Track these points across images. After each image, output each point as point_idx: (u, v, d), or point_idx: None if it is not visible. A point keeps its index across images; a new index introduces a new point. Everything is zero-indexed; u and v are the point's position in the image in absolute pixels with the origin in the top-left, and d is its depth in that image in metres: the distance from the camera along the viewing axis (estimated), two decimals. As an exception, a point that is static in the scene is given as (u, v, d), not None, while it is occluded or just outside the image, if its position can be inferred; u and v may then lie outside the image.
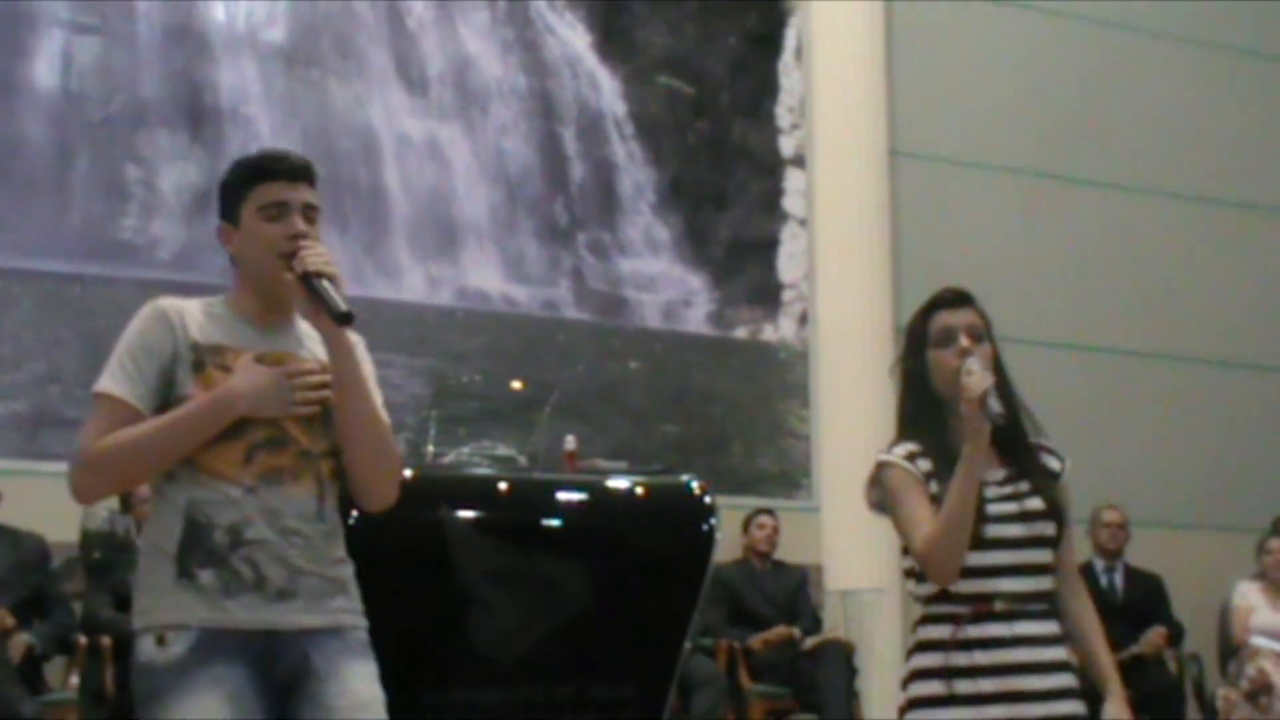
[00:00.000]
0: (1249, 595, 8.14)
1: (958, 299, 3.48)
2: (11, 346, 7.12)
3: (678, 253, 8.70)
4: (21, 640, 6.35)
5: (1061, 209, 9.57)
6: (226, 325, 2.92)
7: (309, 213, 2.93)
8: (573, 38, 8.62)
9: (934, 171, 9.25)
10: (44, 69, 7.39)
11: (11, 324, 7.15)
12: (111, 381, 2.86)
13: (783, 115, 9.07)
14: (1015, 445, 3.36)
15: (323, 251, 2.88)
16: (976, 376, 3.20)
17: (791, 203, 9.02)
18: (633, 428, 8.30)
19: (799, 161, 9.06)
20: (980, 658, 3.22)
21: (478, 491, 5.03)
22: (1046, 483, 3.35)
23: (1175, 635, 8.30)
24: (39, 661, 6.49)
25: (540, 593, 4.75)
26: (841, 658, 7.70)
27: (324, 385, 2.86)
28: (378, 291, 7.74)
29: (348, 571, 2.92)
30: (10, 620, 6.34)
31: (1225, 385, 9.82)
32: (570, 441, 5.68)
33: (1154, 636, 8.09)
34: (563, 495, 5.14)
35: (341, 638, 2.85)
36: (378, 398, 2.95)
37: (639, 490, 5.26)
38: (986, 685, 3.22)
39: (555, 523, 5.12)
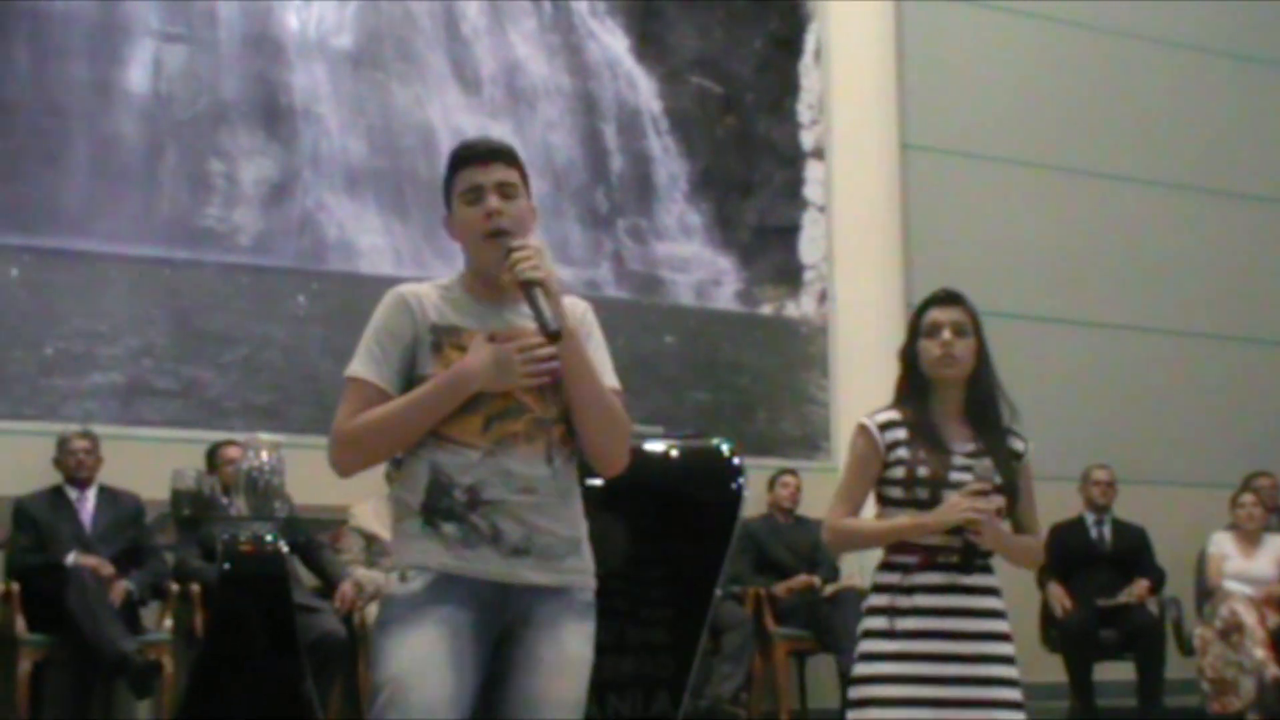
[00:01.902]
0: (1223, 544, 8.16)
1: (949, 298, 3.71)
2: (108, 324, 7.13)
3: (708, 237, 8.67)
4: (121, 587, 6.39)
5: (1058, 197, 9.51)
6: (460, 306, 2.88)
7: (506, 189, 2.88)
8: (612, 42, 8.58)
9: (941, 162, 9.20)
10: (137, 74, 7.38)
11: (108, 303, 7.16)
12: (360, 365, 2.85)
13: (803, 111, 9.02)
14: (987, 424, 3.62)
15: (531, 255, 2.79)
16: (967, 509, 3.44)
17: (811, 191, 8.97)
18: (668, 396, 8.28)
19: (818, 154, 9.00)
20: (921, 600, 3.48)
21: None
22: (1007, 460, 3.58)
23: (1157, 581, 8.28)
24: (136, 606, 6.52)
25: (584, 545, 4.74)
26: (856, 603, 7.65)
27: (551, 357, 2.80)
28: (436, 274, 7.71)
29: (581, 531, 2.88)
30: (110, 569, 6.38)
31: (1205, 355, 9.76)
32: (611, 408, 5.65)
33: (1138, 588, 8.07)
34: (604, 457, 5.11)
35: (567, 596, 2.82)
36: (607, 365, 2.94)
37: (674, 452, 5.24)
38: (925, 623, 3.47)
39: (597, 482, 5.11)
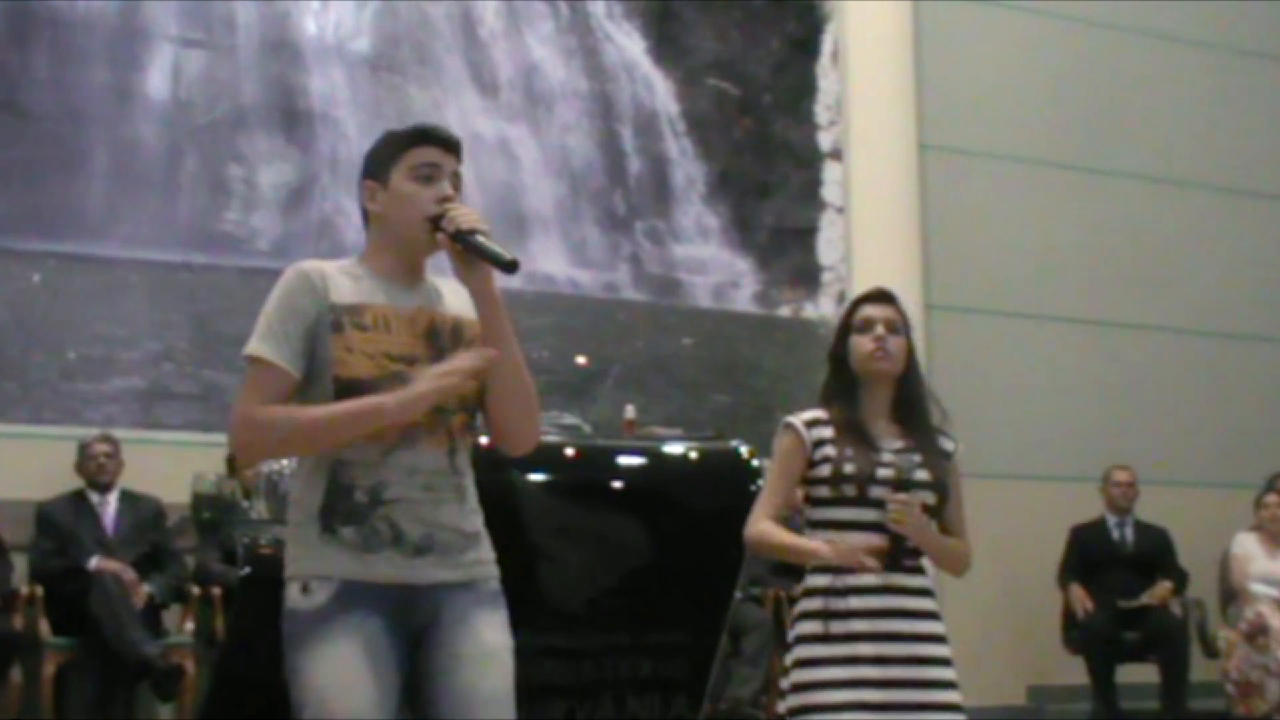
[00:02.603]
0: (1247, 545, 8.12)
1: (882, 296, 3.68)
2: (128, 328, 7.17)
3: (726, 239, 8.68)
4: (142, 590, 6.43)
5: (1078, 196, 9.50)
6: (364, 285, 2.81)
7: (455, 181, 2.86)
8: (629, 44, 8.60)
9: (959, 163, 9.19)
10: (156, 79, 7.42)
11: (128, 308, 7.19)
12: (262, 345, 2.76)
13: (821, 113, 9.02)
14: (916, 424, 3.58)
15: (470, 210, 2.79)
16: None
17: (829, 192, 8.98)
18: (686, 398, 8.29)
19: (836, 155, 9.01)
20: (855, 602, 3.44)
21: (546, 456, 5.02)
22: (937, 459, 3.54)
23: (1180, 583, 8.25)
24: (158, 609, 6.57)
25: (602, 547, 4.75)
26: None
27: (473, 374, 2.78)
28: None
29: (479, 522, 2.85)
30: (132, 574, 6.42)
31: (1226, 355, 9.74)
32: (629, 410, 5.68)
33: (1160, 590, 8.05)
34: (623, 459, 5.13)
35: (474, 589, 2.79)
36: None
37: (692, 454, 5.24)
38: (858, 626, 3.43)
39: (616, 484, 5.11)
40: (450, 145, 2.87)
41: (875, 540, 3.46)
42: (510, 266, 2.74)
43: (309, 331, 2.76)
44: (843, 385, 3.64)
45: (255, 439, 2.76)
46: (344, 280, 2.80)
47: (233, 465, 6.83)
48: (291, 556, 2.77)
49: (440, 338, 2.83)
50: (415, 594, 2.73)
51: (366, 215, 2.90)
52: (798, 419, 3.61)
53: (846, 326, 3.65)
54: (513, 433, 2.90)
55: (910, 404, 3.61)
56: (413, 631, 2.74)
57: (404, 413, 2.69)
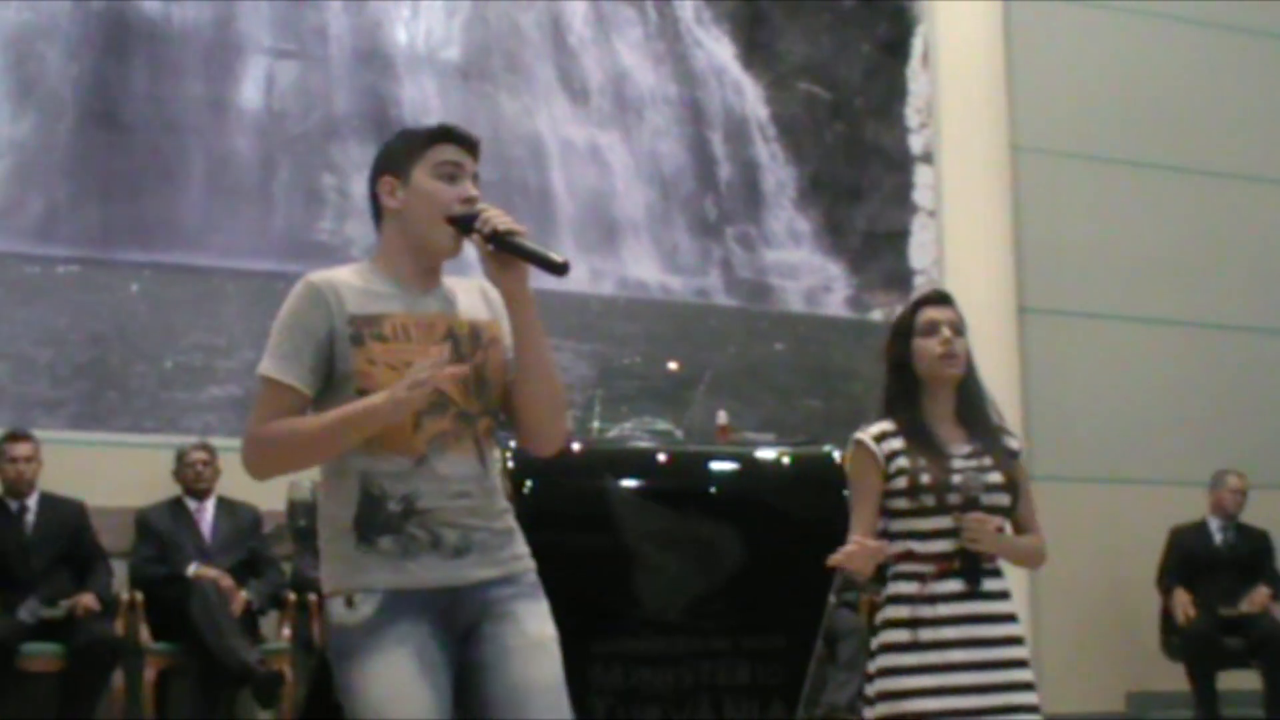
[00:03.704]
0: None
1: (942, 298, 3.66)
2: (225, 337, 7.26)
3: (817, 243, 8.64)
4: (241, 597, 6.50)
5: (1174, 197, 9.36)
6: (380, 291, 2.76)
7: (475, 182, 2.82)
8: (718, 50, 8.59)
9: (1053, 164, 9.10)
10: (250, 90, 7.51)
11: (225, 317, 7.28)
12: (271, 365, 2.73)
13: (911, 116, 8.97)
14: (980, 426, 3.55)
15: (502, 213, 2.74)
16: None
17: (921, 196, 8.92)
18: (779, 403, 8.27)
19: (927, 158, 8.95)
20: (944, 609, 3.42)
21: (639, 462, 5.04)
22: (1006, 460, 3.52)
23: (1278, 588, 8.10)
24: (256, 615, 6.63)
25: (696, 553, 4.75)
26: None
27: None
28: (547, 284, 7.73)
29: (511, 519, 2.83)
30: (230, 581, 6.49)
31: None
32: (722, 416, 5.66)
33: (1258, 596, 7.91)
34: (716, 465, 5.13)
35: (515, 583, 2.77)
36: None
37: (785, 460, 5.24)
38: (949, 633, 3.41)
39: (710, 490, 5.11)
40: (470, 145, 2.84)
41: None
42: (562, 269, 2.69)
43: (320, 347, 2.72)
44: (906, 390, 3.60)
45: (261, 455, 2.74)
46: (358, 289, 2.76)
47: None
48: (329, 573, 2.75)
49: (460, 344, 2.79)
50: (458, 595, 2.72)
51: (379, 213, 2.85)
52: (866, 435, 3.57)
53: (908, 330, 3.60)
54: (541, 433, 2.87)
55: (973, 406, 3.59)
56: (460, 631, 2.72)
57: (398, 410, 2.64)
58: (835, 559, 3.33)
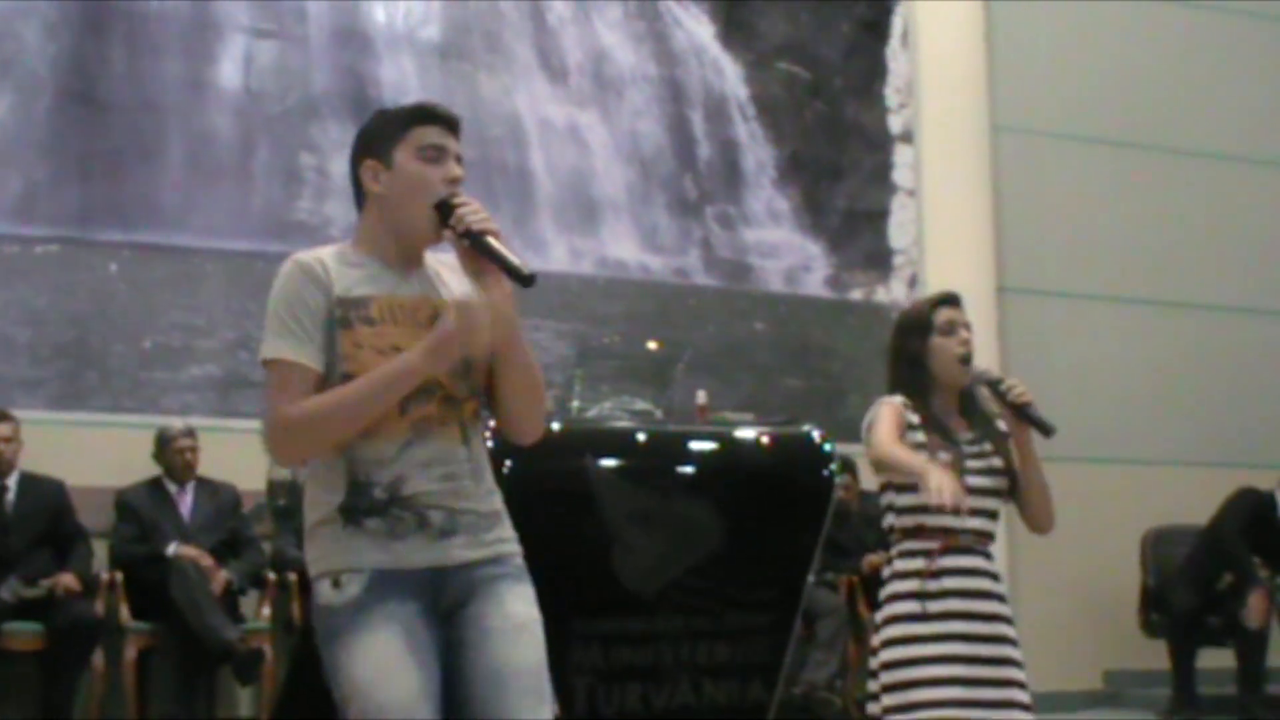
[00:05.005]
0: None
1: (956, 299, 3.85)
2: (205, 317, 7.26)
3: (797, 222, 8.66)
4: (221, 576, 6.50)
5: (1150, 177, 9.38)
6: (365, 273, 2.74)
7: (459, 163, 2.77)
8: (698, 29, 8.59)
9: (1033, 144, 9.11)
10: (229, 70, 7.50)
11: (204, 297, 7.28)
12: (280, 343, 2.68)
13: (891, 95, 8.98)
14: (978, 416, 3.78)
15: (480, 209, 2.69)
16: (1021, 389, 3.68)
17: (900, 175, 8.94)
18: (758, 383, 8.29)
19: (907, 138, 8.97)
20: (949, 583, 3.60)
21: (619, 442, 5.04)
22: (1004, 445, 3.74)
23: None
24: (236, 595, 6.64)
25: (676, 533, 4.76)
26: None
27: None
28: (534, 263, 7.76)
29: (498, 501, 2.82)
30: (210, 560, 6.49)
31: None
32: (701, 396, 5.67)
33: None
34: (695, 445, 5.14)
35: (500, 565, 2.76)
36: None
37: (764, 439, 5.25)
38: (953, 605, 3.60)
39: (689, 469, 5.12)
40: (452, 124, 2.79)
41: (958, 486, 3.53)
42: (527, 280, 2.63)
43: (323, 326, 2.69)
44: (918, 382, 3.77)
45: (298, 437, 2.69)
46: (344, 270, 2.73)
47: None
48: (315, 555, 2.73)
49: None
50: (445, 576, 2.71)
51: (361, 196, 2.81)
52: (895, 400, 3.74)
53: (926, 327, 3.77)
54: (521, 424, 2.86)
55: (974, 399, 3.80)
56: (445, 610, 2.72)
57: (435, 361, 2.64)
58: (934, 496, 3.39)
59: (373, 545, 2.68)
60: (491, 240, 2.66)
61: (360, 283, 2.73)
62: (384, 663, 2.63)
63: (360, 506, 2.69)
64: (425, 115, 2.78)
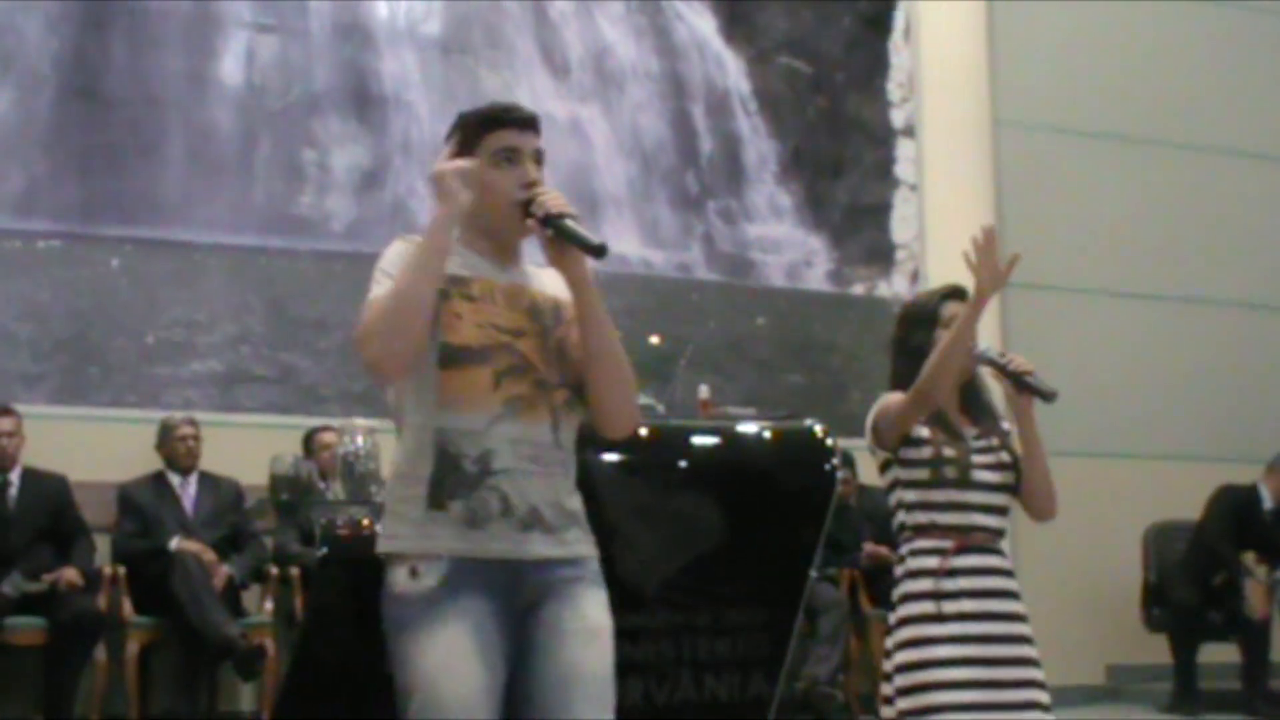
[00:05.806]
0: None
1: (963, 293, 3.79)
2: (206, 312, 7.26)
3: (799, 217, 8.65)
4: (222, 571, 6.50)
5: (1153, 171, 9.38)
6: (465, 261, 2.78)
7: (538, 157, 2.82)
8: (700, 23, 8.58)
9: (1035, 138, 9.11)
10: (230, 65, 7.50)
11: (206, 291, 7.28)
12: (380, 290, 2.69)
13: (893, 90, 8.97)
14: (982, 411, 3.73)
15: (558, 194, 2.75)
16: (1021, 360, 3.72)
17: (903, 170, 8.93)
18: (760, 378, 8.28)
19: (909, 132, 8.96)
20: (964, 583, 3.54)
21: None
22: (1009, 441, 3.71)
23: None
24: (238, 590, 6.64)
25: (678, 528, 4.75)
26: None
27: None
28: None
29: (579, 503, 2.82)
30: (212, 555, 6.49)
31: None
32: (704, 390, 5.67)
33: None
34: (697, 439, 5.13)
35: (578, 567, 2.76)
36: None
37: (766, 434, 5.23)
38: (968, 605, 3.53)
39: (691, 464, 5.11)
40: (527, 123, 2.84)
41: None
42: (598, 251, 2.70)
43: None
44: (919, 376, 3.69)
45: (377, 326, 2.63)
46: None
47: (309, 446, 6.90)
48: (392, 533, 2.72)
49: (543, 315, 2.81)
50: (522, 571, 2.70)
51: None
52: (896, 395, 3.70)
53: (932, 320, 3.74)
54: (612, 415, 2.86)
55: (978, 393, 3.75)
56: (520, 609, 2.71)
57: (450, 202, 2.70)
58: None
59: (453, 532, 2.67)
60: (568, 221, 2.72)
61: (461, 267, 2.77)
62: (451, 659, 2.62)
63: (448, 482, 2.68)
64: (499, 119, 2.83)
